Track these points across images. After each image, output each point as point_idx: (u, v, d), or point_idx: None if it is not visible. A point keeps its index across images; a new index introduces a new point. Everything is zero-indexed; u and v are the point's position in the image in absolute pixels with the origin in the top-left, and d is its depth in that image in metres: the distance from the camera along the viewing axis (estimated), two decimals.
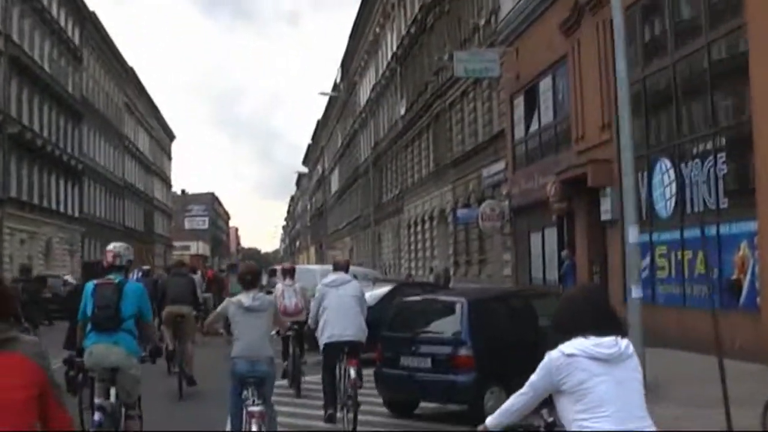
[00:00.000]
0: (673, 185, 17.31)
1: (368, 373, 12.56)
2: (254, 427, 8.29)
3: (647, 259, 17.83)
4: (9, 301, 3.41)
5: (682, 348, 15.57)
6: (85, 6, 61.94)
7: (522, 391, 4.12)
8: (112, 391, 7.95)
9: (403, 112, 49.86)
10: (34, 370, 3.22)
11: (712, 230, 15.74)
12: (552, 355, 4.00)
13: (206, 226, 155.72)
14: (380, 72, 59.02)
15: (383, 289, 19.38)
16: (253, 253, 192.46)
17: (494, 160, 30.91)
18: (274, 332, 9.97)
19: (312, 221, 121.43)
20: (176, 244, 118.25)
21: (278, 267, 23.80)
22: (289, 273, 15.33)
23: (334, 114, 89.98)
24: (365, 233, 65.53)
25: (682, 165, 16.89)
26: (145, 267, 22.90)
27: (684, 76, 17.03)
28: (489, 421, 4.26)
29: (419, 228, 46.18)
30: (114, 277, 8.26)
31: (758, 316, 14.08)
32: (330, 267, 14.48)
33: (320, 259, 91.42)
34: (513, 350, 10.56)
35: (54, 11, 54.75)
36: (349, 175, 77.38)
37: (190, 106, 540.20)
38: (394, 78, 53.71)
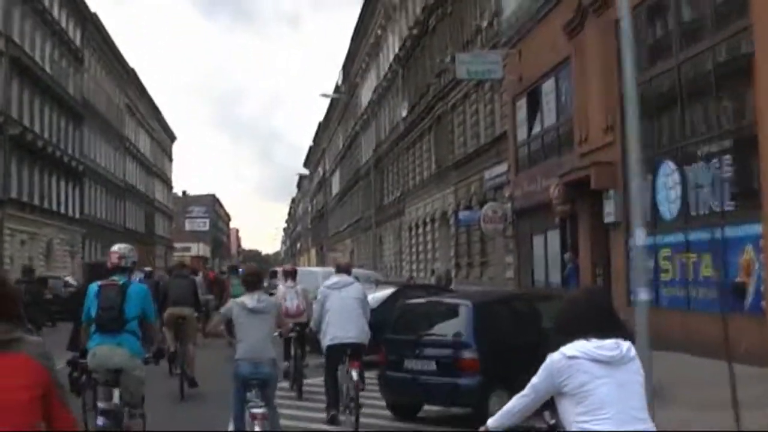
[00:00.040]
0: (678, 188, 17.22)
1: (371, 375, 12.51)
2: (257, 429, 8.29)
3: (651, 262, 17.72)
4: (13, 302, 3.39)
5: (685, 351, 15.47)
6: (86, 7, 61.92)
7: (523, 392, 4.12)
8: (116, 393, 7.95)
9: (404, 114, 49.79)
10: (38, 371, 3.22)
11: (717, 233, 15.69)
12: (553, 357, 4.01)
13: (207, 227, 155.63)
14: (382, 74, 58.96)
15: (386, 292, 19.31)
16: (254, 255, 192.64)
17: (496, 162, 30.84)
18: (276, 333, 9.96)
19: (313, 223, 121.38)
20: (177, 245, 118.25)
21: (279, 269, 23.74)
22: (291, 275, 15.42)
23: (336, 116, 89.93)
24: (366, 235, 65.47)
25: (687, 167, 16.80)
26: (147, 268, 22.82)
27: (689, 77, 16.94)
28: (491, 422, 4.26)
29: (420, 230, 46.11)
30: (118, 279, 8.27)
31: (764, 320, 13.98)
32: (332, 269, 14.49)
33: (321, 261, 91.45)
34: (517, 353, 10.46)
35: (55, 12, 54.74)
36: (350, 177, 77.33)
37: (190, 107, 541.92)
38: (395, 80, 53.65)
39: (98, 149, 67.20)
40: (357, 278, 12.65)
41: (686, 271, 17.00)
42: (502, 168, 29.94)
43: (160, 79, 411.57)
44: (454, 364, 10.89)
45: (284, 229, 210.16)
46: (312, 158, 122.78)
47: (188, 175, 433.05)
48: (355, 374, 10.91)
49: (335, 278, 11.74)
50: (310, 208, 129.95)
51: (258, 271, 9.50)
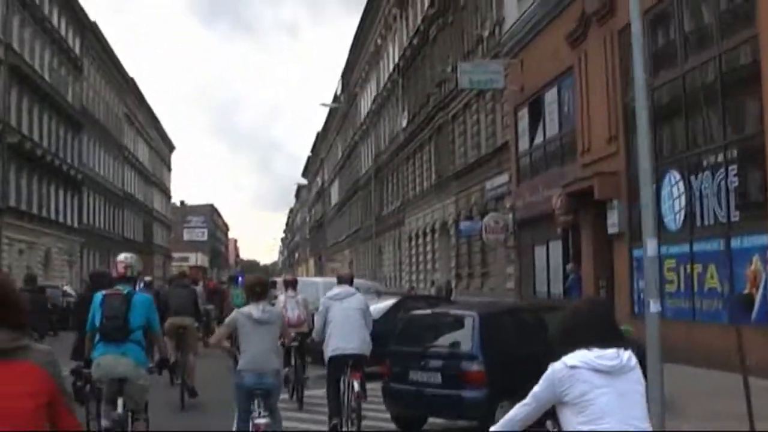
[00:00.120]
0: (683, 198, 17.12)
1: (372, 387, 12.40)
2: None
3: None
4: (21, 310, 3.36)
5: (689, 363, 15.35)
6: (85, 16, 61.87)
7: (525, 401, 4.13)
8: (120, 402, 7.96)
9: (404, 124, 49.74)
10: (44, 379, 3.21)
11: (723, 243, 15.57)
12: (555, 367, 4.03)
13: (205, 237, 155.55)
14: (381, 84, 58.94)
15: (387, 303, 19.20)
16: (253, 265, 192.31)
17: (498, 172, 30.74)
18: (278, 343, 9.87)
19: (311, 233, 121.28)
20: (175, 255, 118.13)
21: (278, 279, 23.63)
22: (291, 285, 15.51)
23: (335, 126, 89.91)
24: (365, 246, 65.37)
25: (692, 177, 16.70)
26: (147, 278, 22.66)
27: (694, 87, 16.84)
28: (493, 429, 4.25)
29: (420, 240, 46.00)
30: (122, 288, 8.27)
31: None
32: (332, 279, 14.41)
33: (319, 272, 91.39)
34: (524, 365, 10.26)
35: (54, 20, 54.69)
36: (349, 187, 77.24)
37: (189, 116, 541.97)
38: (395, 90, 53.61)
39: (97, 158, 67.09)
40: (358, 289, 12.56)
41: (691, 282, 16.88)
42: (504, 178, 29.83)
43: (159, 89, 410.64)
44: (460, 376, 10.72)
45: (282, 240, 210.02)
46: (311, 168, 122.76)
47: (186, 185, 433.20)
48: (356, 385, 10.87)
49: (337, 289, 11.66)
50: (308, 218, 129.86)
51: (265, 281, 9.41)
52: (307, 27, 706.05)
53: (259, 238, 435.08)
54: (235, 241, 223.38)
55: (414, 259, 47.68)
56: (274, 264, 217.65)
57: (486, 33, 32.80)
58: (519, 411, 4.15)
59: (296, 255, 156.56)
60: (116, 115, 74.99)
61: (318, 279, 30.31)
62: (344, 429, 11.02)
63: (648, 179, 9.18)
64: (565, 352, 4.04)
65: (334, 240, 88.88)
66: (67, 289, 37.90)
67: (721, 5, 16.02)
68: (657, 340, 8.50)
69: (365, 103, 66.93)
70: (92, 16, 63.89)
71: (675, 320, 17.18)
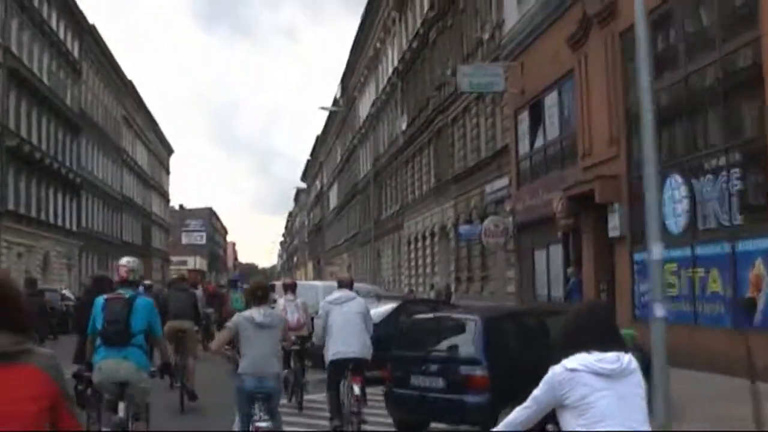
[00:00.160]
0: (685, 201, 17.03)
1: (373, 391, 12.35)
2: None
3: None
4: (25, 314, 3.35)
5: (691, 367, 15.28)
6: (84, 19, 61.82)
7: (525, 404, 4.14)
8: (121, 406, 7.98)
9: (404, 127, 49.68)
10: (46, 382, 3.20)
11: (725, 247, 15.51)
12: (555, 370, 4.04)
13: (204, 241, 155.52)
14: (381, 87, 58.89)
15: (388, 307, 19.12)
16: (252, 269, 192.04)
17: (497, 176, 30.66)
18: (279, 346, 9.84)
19: (310, 237, 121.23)
20: (173, 258, 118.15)
21: (277, 283, 23.59)
22: (291, 288, 15.55)
23: (334, 129, 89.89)
24: (364, 249, 65.29)
25: (694, 181, 16.62)
26: (147, 282, 22.59)
27: (696, 89, 16.77)
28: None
29: (420, 244, 45.93)
30: (124, 292, 8.29)
31: None
32: (332, 283, 14.39)
33: (318, 275, 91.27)
34: (527, 369, 10.19)
35: (53, 23, 54.64)
36: (348, 190, 77.19)
37: (188, 120, 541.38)
38: (394, 93, 53.56)
39: (96, 161, 67.04)
40: (358, 293, 12.54)
41: (693, 286, 16.80)
42: (503, 182, 29.76)
43: (157, 92, 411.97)
44: (463, 381, 10.62)
45: (281, 243, 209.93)
46: (309, 172, 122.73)
47: (185, 188, 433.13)
48: (357, 389, 10.89)
49: (337, 293, 11.66)
50: (307, 222, 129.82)
51: (266, 285, 9.47)
52: (306, 30, 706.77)
53: (257, 242, 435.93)
54: (234, 244, 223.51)
55: (413, 263, 47.59)
56: (273, 267, 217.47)
57: (486, 36, 32.73)
58: (519, 413, 4.16)
59: (295, 259, 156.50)
60: (115, 118, 74.94)
61: (317, 283, 30.22)
62: (345, 431, 11.02)
63: (653, 183, 9.10)
64: (566, 356, 4.05)
65: (333, 244, 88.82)
66: (66, 292, 37.83)
67: (723, 8, 15.95)
68: (663, 345, 8.40)
69: (364, 107, 66.88)
70: (91, 20, 63.93)
71: (677, 324, 17.08)
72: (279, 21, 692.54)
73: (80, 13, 60.59)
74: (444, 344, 11.68)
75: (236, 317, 9.00)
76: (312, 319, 13.94)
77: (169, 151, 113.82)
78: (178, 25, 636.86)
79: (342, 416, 11.08)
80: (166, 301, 15.88)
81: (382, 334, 13.28)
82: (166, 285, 31.58)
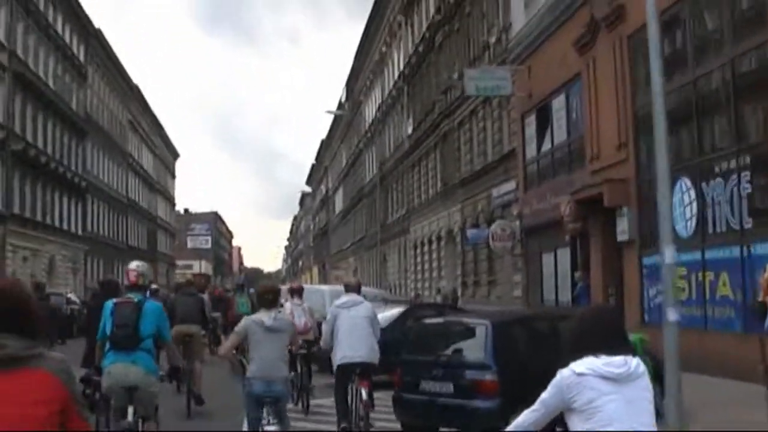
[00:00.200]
0: (694, 205, 16.93)
1: (380, 396, 12.30)
2: None
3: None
4: (36, 318, 3.38)
5: (702, 372, 15.14)
6: (90, 23, 61.85)
7: (533, 407, 4.16)
8: (129, 410, 7.98)
9: (410, 131, 49.61)
10: (56, 386, 3.24)
11: (735, 251, 15.40)
12: (563, 374, 4.06)
13: (209, 245, 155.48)
14: (386, 91, 58.83)
15: (395, 311, 19.07)
16: (257, 273, 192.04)
17: (504, 179, 30.57)
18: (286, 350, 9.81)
19: (315, 241, 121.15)
20: (179, 263, 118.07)
21: (283, 287, 23.55)
22: (297, 292, 15.74)
23: (339, 133, 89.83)
24: (369, 253, 65.20)
25: (704, 184, 16.52)
26: (154, 286, 22.56)
27: (706, 92, 16.68)
28: None
29: (426, 248, 45.82)
30: (134, 296, 8.30)
31: None
32: (338, 287, 14.38)
33: (323, 280, 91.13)
34: (536, 374, 10.10)
35: (59, 28, 54.66)
36: (353, 194, 77.10)
37: (192, 124, 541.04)
38: (400, 97, 53.51)
39: (101, 165, 67.04)
40: (365, 297, 12.50)
41: (703, 290, 16.69)
42: (510, 185, 29.68)
43: (162, 96, 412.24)
44: (473, 386, 10.56)
45: (286, 247, 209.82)
46: (315, 176, 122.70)
47: (190, 192, 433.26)
48: (364, 393, 10.85)
49: (345, 297, 11.63)
50: (312, 226, 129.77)
51: (276, 289, 9.39)
52: (310, 33, 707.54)
53: (263, 246, 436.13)
54: (239, 248, 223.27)
55: (419, 267, 47.50)
56: (278, 272, 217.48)
57: (493, 39, 32.65)
58: (528, 417, 4.17)
59: (300, 263, 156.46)
60: (120, 122, 74.96)
61: (324, 287, 30.14)
62: None
63: (666, 187, 9.02)
64: (574, 359, 4.05)
65: (339, 248, 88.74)
66: (71, 296, 37.78)
67: (733, 10, 15.86)
68: (675, 349, 8.30)
69: (370, 111, 66.83)
70: (97, 24, 63.95)
71: (687, 329, 16.95)
72: (282, 25, 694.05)
73: (86, 17, 60.62)
74: (453, 349, 11.62)
75: (245, 321, 8.96)
76: (319, 324, 13.91)
77: (175, 155, 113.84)
78: (180, 27, 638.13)
79: (348, 418, 11.05)
80: (173, 305, 15.84)
81: (389, 338, 13.29)
82: (171, 289, 31.51)
